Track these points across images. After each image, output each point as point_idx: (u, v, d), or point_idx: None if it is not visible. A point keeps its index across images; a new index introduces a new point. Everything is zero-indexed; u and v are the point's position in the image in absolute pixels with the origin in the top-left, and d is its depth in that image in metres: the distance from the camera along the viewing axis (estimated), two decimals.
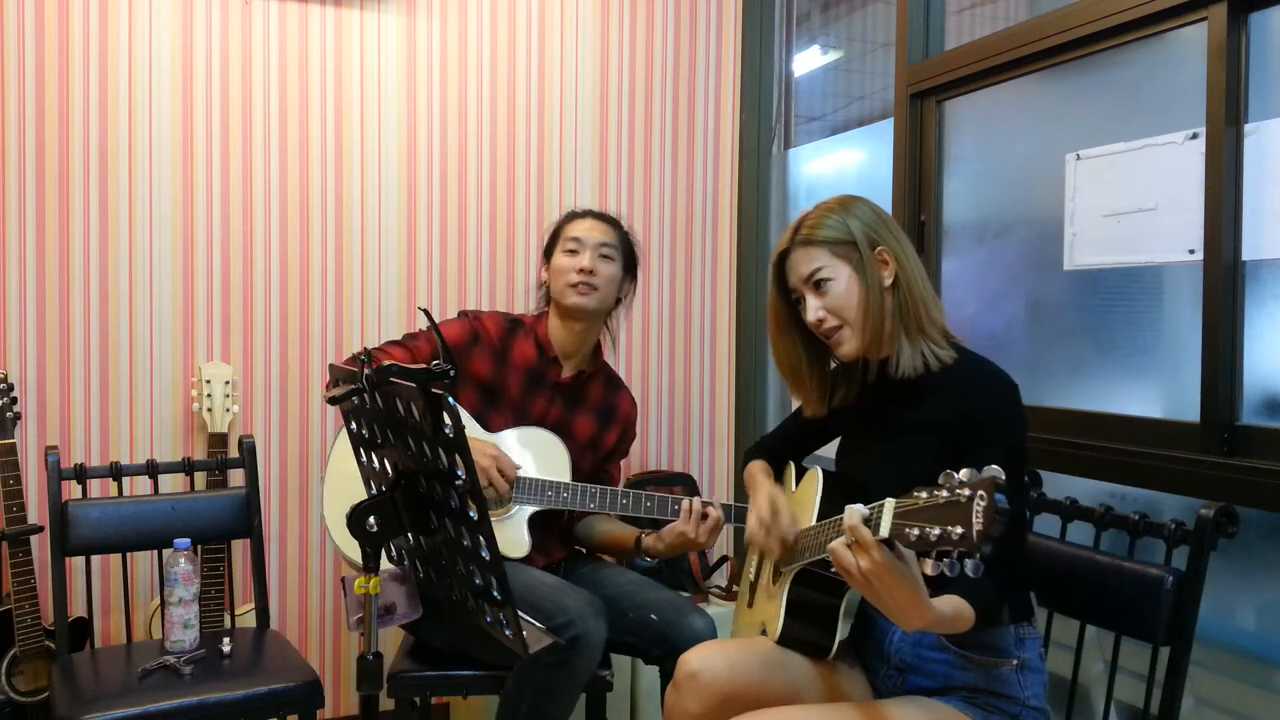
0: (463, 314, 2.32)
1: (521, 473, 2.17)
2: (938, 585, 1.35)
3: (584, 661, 1.96)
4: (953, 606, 1.40)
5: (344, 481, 2.12)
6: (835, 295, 1.65)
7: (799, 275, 1.68)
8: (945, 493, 1.19)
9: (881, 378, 1.68)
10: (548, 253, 2.35)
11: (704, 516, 2.09)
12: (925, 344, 1.64)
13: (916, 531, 1.21)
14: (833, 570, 1.56)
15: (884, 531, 1.27)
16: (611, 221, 2.35)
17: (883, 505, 1.29)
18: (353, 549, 2.05)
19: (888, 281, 1.65)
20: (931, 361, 1.63)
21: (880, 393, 1.70)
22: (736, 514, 2.12)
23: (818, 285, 1.66)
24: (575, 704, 2.04)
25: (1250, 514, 1.67)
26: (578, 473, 2.24)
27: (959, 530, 1.16)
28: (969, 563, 1.17)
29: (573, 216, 2.35)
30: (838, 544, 1.32)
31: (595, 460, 2.35)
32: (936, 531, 1.18)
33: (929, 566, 1.21)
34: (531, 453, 2.21)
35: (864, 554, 1.28)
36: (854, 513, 1.31)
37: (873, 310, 1.63)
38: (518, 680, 1.99)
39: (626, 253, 2.34)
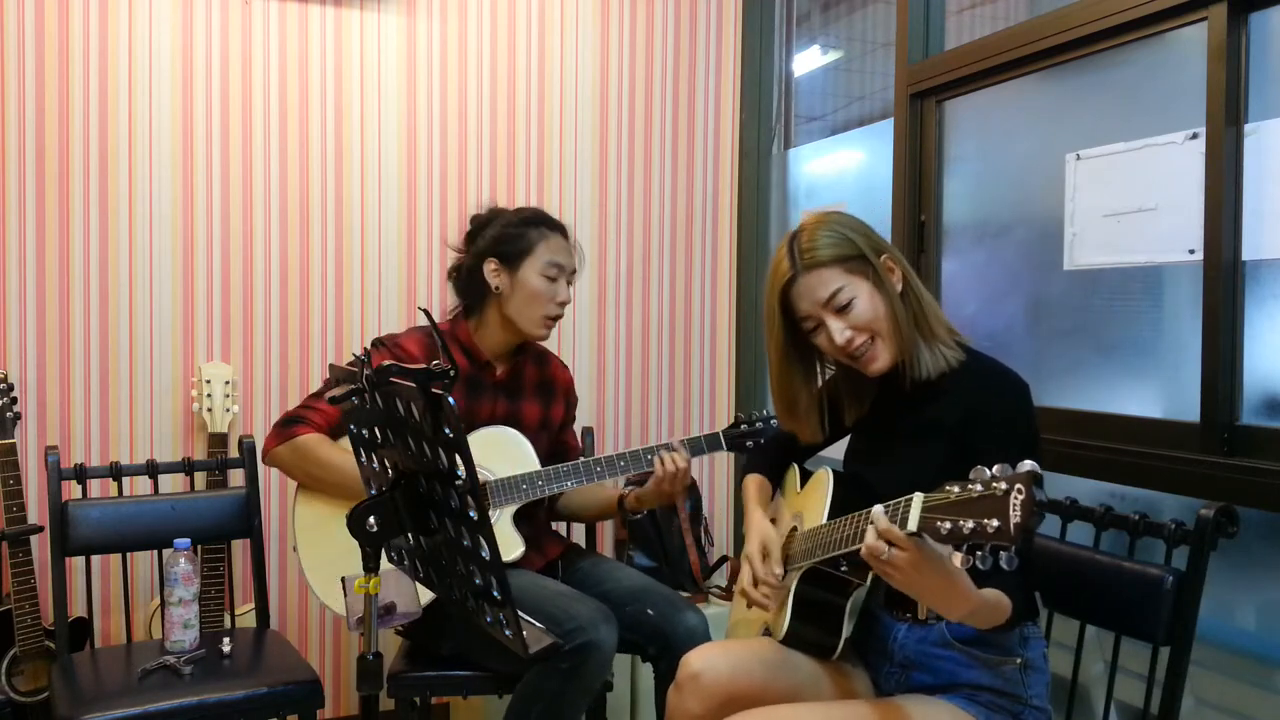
0: (378, 343, 2.19)
1: (491, 476, 2.15)
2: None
3: (595, 669, 1.96)
4: (994, 594, 1.39)
5: (318, 550, 2.13)
6: (860, 313, 1.59)
7: (815, 300, 1.61)
8: (979, 486, 1.17)
9: (893, 383, 1.66)
10: (509, 257, 2.18)
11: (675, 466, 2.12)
12: (938, 345, 1.62)
13: (948, 525, 1.19)
14: (842, 569, 1.56)
15: (912, 525, 1.25)
16: (569, 237, 2.26)
17: (910, 500, 1.27)
18: (336, 602, 2.06)
19: (899, 288, 1.62)
20: (946, 362, 1.61)
21: (891, 398, 1.69)
22: (708, 443, 2.18)
23: (840, 306, 1.59)
24: (584, 710, 2.03)
25: (1250, 514, 1.67)
26: (540, 456, 2.23)
27: (995, 523, 1.14)
28: (1004, 555, 1.15)
29: (543, 226, 2.21)
30: (870, 540, 1.30)
31: (550, 439, 2.33)
32: (970, 524, 1.16)
33: (959, 559, 1.19)
34: (493, 453, 2.18)
35: (897, 549, 1.27)
36: (880, 513, 1.30)
37: (900, 320, 1.60)
38: (529, 687, 1.98)
39: None
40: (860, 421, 1.78)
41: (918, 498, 1.26)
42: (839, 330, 1.60)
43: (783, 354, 1.70)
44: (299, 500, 2.15)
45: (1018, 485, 1.13)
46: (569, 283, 2.22)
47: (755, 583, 1.71)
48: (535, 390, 2.31)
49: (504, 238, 2.20)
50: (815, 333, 1.64)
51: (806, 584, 1.65)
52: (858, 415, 1.76)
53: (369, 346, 2.23)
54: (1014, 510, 1.12)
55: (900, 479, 1.60)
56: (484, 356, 2.23)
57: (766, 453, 2.00)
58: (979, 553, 1.16)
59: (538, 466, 2.20)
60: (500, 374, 2.26)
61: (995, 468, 1.17)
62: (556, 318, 2.20)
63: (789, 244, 1.64)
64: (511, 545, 2.16)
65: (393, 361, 2.09)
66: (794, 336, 1.68)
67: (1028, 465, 1.15)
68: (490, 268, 2.19)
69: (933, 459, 1.58)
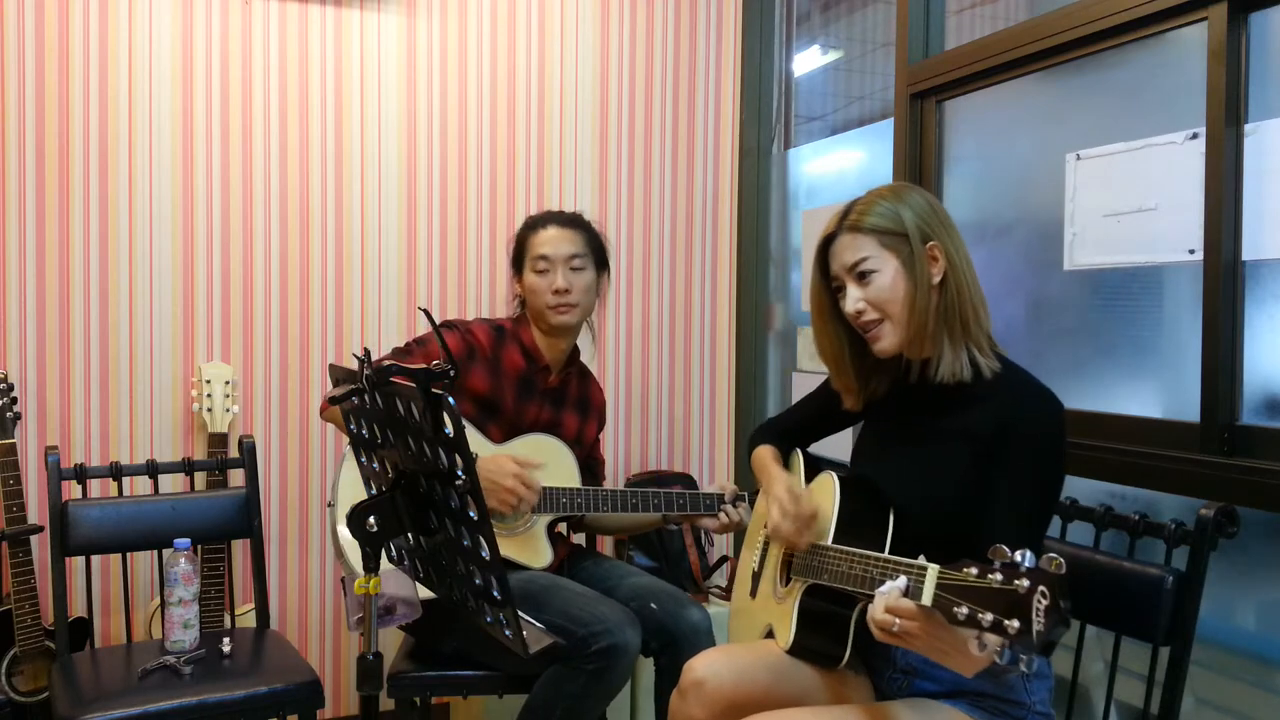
0: (449, 325, 2.25)
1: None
2: None
3: (620, 671, 1.98)
4: None
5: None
6: (879, 288, 1.57)
7: (842, 263, 1.61)
8: (999, 576, 1.12)
9: (920, 380, 1.62)
10: (516, 265, 2.30)
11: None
12: (970, 349, 1.57)
13: (965, 610, 1.14)
14: (851, 588, 1.54)
15: (926, 600, 1.22)
16: (575, 224, 2.28)
17: (925, 572, 1.24)
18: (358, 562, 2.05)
19: (936, 279, 1.57)
20: (974, 369, 1.56)
21: (915, 395, 1.64)
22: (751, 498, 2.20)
23: (861, 276, 1.58)
24: (603, 713, 2.04)
25: (1250, 514, 1.67)
26: None
27: (1016, 625, 1.08)
28: (1024, 659, 1.09)
29: (535, 226, 2.28)
30: (878, 615, 1.28)
31: (582, 452, 2.35)
32: (989, 618, 1.11)
33: (974, 647, 1.14)
34: (541, 461, 2.20)
35: (907, 620, 1.25)
36: (894, 588, 1.27)
37: (917, 308, 1.56)
38: (550, 687, 1.98)
39: (596, 253, 2.29)
40: (874, 414, 1.76)
41: (932, 571, 1.23)
42: (853, 299, 1.60)
43: (819, 311, 1.70)
44: (348, 459, 2.14)
45: (1041, 588, 1.07)
46: (573, 269, 2.22)
47: (784, 517, 1.66)
48: (576, 404, 2.35)
49: (513, 251, 2.32)
50: (840, 295, 1.64)
51: (812, 597, 1.63)
52: (874, 394, 1.72)
53: (439, 326, 2.25)
54: (1037, 616, 1.07)
55: (916, 485, 1.57)
56: (543, 359, 2.27)
57: (772, 431, 1.99)
58: (999, 645, 1.10)
59: (579, 482, 2.23)
60: (553, 380, 2.29)
61: (1018, 553, 1.11)
62: (559, 306, 2.21)
63: (848, 204, 1.64)
64: (544, 555, 2.19)
65: (459, 342, 2.13)
66: (830, 293, 1.68)
67: (1054, 563, 1.08)
68: (514, 281, 2.32)
69: (954, 468, 1.55)
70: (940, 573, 1.21)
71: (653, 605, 2.11)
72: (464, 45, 2.95)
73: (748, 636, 1.83)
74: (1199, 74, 1.80)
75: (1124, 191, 1.96)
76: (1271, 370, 1.76)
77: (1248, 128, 1.76)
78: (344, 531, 2.10)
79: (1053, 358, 2.17)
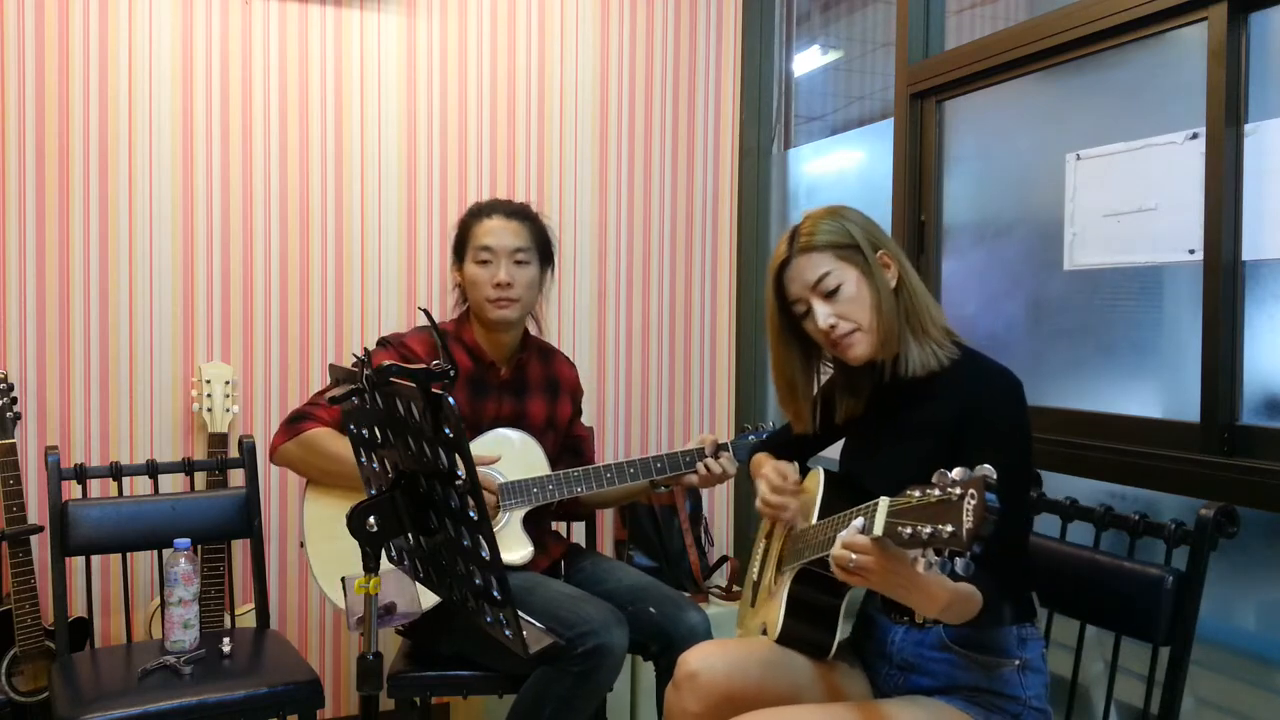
0: (384, 342, 2.21)
1: (502, 478, 2.16)
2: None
3: (607, 672, 1.96)
4: (966, 588, 1.41)
5: (328, 544, 2.11)
6: (846, 299, 1.62)
7: (804, 283, 1.64)
8: (937, 491, 1.20)
9: (890, 379, 1.67)
10: (458, 253, 2.24)
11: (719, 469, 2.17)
12: (930, 344, 1.64)
13: (909, 530, 1.22)
14: (832, 570, 1.57)
15: (877, 530, 1.29)
16: (523, 216, 2.23)
17: (877, 505, 1.31)
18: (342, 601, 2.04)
19: (892, 283, 1.64)
20: (937, 361, 1.63)
21: (886, 396, 1.69)
22: (735, 450, 2.22)
23: (827, 291, 1.63)
24: (592, 713, 2.04)
25: (1250, 514, 1.67)
26: (548, 454, 2.24)
27: (949, 529, 1.17)
28: (959, 561, 1.18)
29: (479, 214, 2.23)
30: (835, 550, 1.34)
31: (558, 436, 2.33)
32: (928, 530, 1.19)
33: (920, 565, 1.22)
34: (504, 456, 2.19)
35: (861, 554, 1.31)
36: (852, 527, 1.34)
37: (885, 312, 1.62)
38: (538, 689, 1.97)
39: (542, 247, 2.25)
40: (854, 419, 1.79)
41: (883, 503, 1.30)
42: (823, 315, 1.63)
43: (778, 336, 1.74)
44: (308, 497, 2.14)
45: (970, 490, 1.15)
46: (517, 263, 2.18)
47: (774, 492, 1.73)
48: (541, 388, 2.31)
49: (455, 239, 2.28)
50: (805, 318, 1.67)
51: (800, 584, 1.66)
52: (850, 412, 1.77)
53: (374, 345, 2.23)
54: (967, 516, 1.15)
55: (891, 476, 1.60)
56: (488, 357, 2.24)
57: (770, 444, 2.02)
58: (938, 557, 1.19)
59: (547, 469, 2.21)
60: (505, 374, 2.26)
61: (955, 471, 1.19)
62: (500, 300, 2.16)
63: (791, 230, 1.69)
64: (521, 548, 2.17)
65: (395, 361, 2.11)
66: (789, 321, 1.71)
67: (983, 470, 1.16)
68: (453, 269, 2.28)
69: (924, 457, 1.58)
70: (890, 502, 1.29)
71: (651, 609, 2.10)
72: (464, 45, 2.95)
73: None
74: (1199, 74, 1.80)
75: (1124, 191, 1.96)
76: (1271, 370, 1.76)
77: (1248, 128, 1.76)
78: (322, 576, 2.10)
79: (1053, 358, 2.17)
